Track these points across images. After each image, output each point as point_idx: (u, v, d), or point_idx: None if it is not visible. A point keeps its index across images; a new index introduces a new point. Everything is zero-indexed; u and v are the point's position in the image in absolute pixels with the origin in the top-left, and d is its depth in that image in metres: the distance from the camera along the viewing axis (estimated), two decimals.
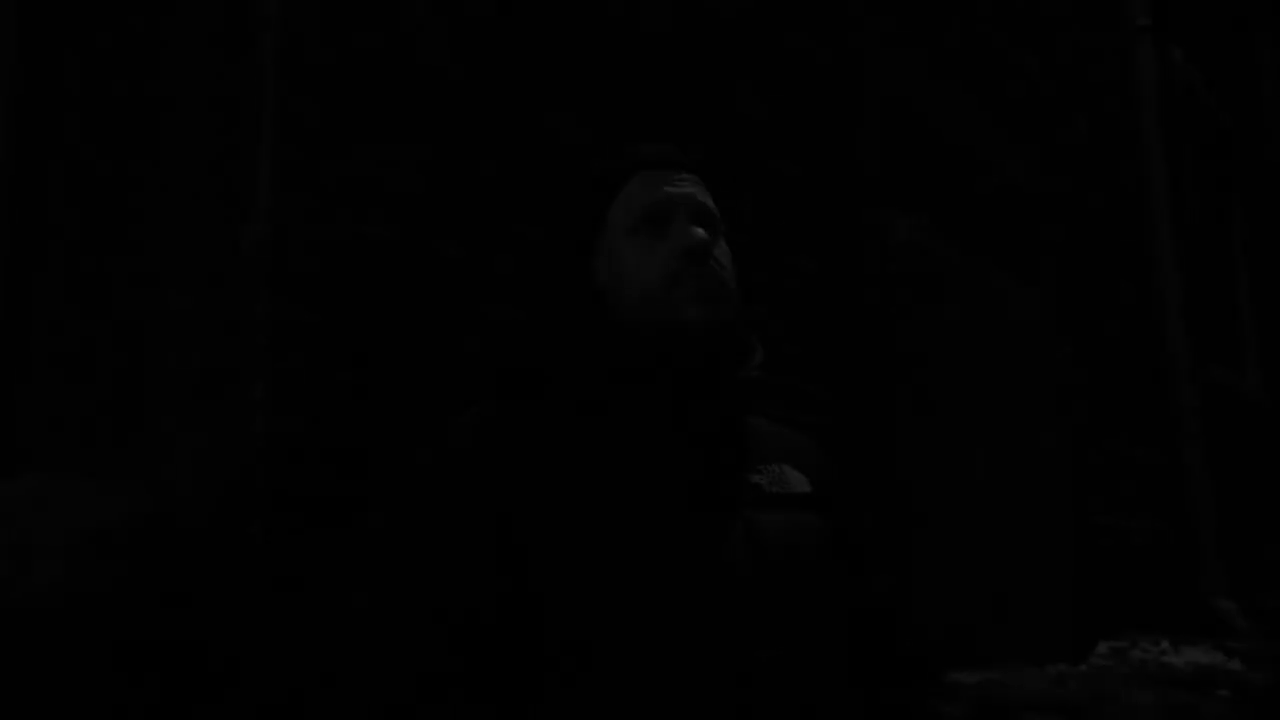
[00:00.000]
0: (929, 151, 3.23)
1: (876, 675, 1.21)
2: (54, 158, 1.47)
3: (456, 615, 1.00)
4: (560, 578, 1.00)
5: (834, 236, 2.58)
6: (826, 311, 2.51)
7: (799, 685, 1.03)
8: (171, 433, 1.26)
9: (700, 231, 1.13)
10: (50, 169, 1.46)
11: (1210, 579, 4.09)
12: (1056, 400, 3.61)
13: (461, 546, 1.02)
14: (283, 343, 1.33)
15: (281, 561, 1.27)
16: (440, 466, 1.08)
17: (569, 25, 1.93)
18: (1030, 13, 3.81)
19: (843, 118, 2.68)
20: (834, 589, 1.12)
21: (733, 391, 1.14)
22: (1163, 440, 4.25)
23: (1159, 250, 4.40)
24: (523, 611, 0.99)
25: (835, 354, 2.50)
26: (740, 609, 1.02)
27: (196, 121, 1.41)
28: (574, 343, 1.13)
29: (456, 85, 1.67)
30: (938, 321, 3.01)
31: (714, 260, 1.14)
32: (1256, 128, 6.33)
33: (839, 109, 2.67)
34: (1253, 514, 4.88)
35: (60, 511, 1.22)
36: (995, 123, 3.50)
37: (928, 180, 3.20)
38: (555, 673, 0.99)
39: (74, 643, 1.20)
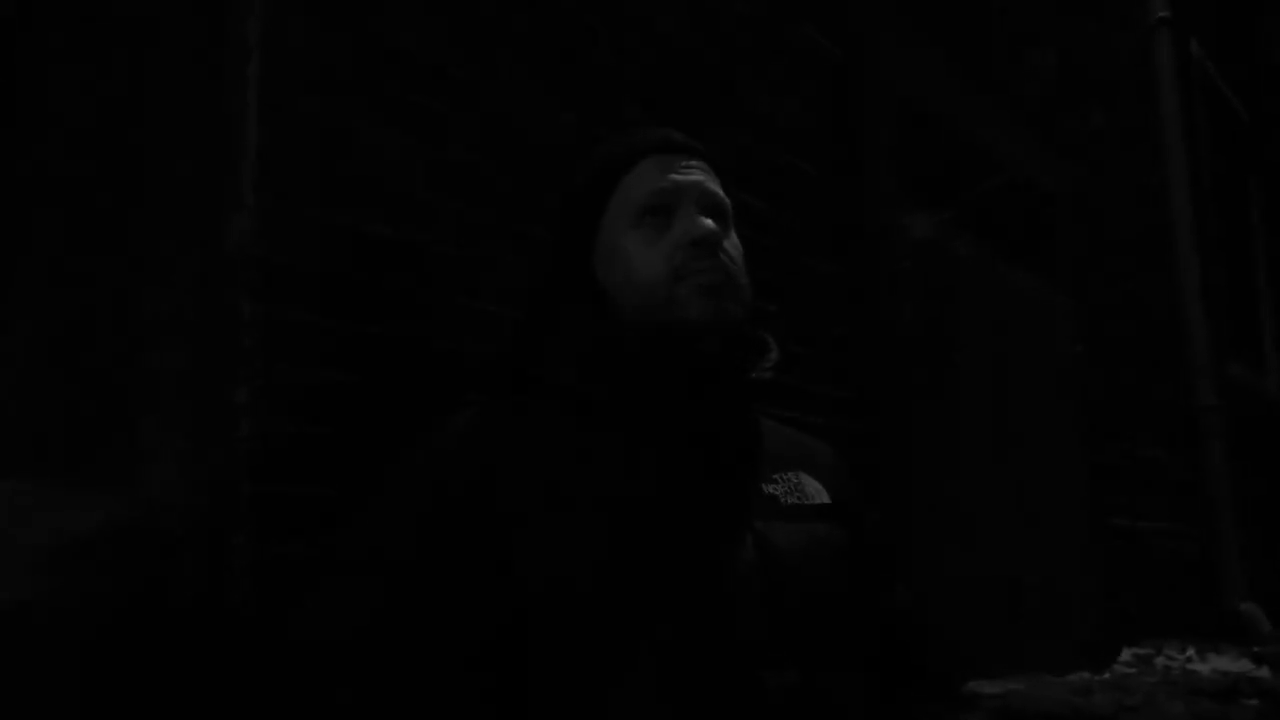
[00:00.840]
0: (944, 148, 3.16)
1: (900, 692, 1.14)
2: (36, 159, 1.40)
3: (438, 629, 0.94)
4: (548, 593, 0.93)
5: (848, 234, 2.51)
6: (839, 311, 2.44)
7: (814, 710, 0.96)
8: (152, 437, 1.20)
9: (708, 222, 1.06)
10: (33, 171, 1.40)
11: (1233, 582, 4.00)
12: (1073, 400, 3.53)
13: (445, 556, 0.95)
14: (269, 343, 1.27)
15: (267, 570, 1.21)
16: (425, 468, 1.01)
17: (576, 22, 1.86)
18: (1046, 6, 3.74)
19: (856, 114, 2.61)
20: (854, 606, 1.05)
21: (742, 394, 1.06)
22: (1182, 440, 4.17)
23: (1177, 246, 4.32)
24: (510, 628, 0.93)
25: (848, 355, 2.43)
26: (748, 631, 0.95)
27: (182, 112, 1.35)
28: (571, 342, 1.06)
29: (459, 83, 1.61)
30: (952, 320, 2.94)
31: (723, 253, 1.06)
32: (1275, 123, 6.23)
33: (852, 105, 2.60)
34: (1275, 515, 4.79)
35: (37, 518, 1.16)
36: (1011, 118, 3.43)
37: (943, 177, 3.14)
38: (543, 697, 0.92)
39: (52, 652, 1.14)
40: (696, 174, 1.09)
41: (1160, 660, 2.94)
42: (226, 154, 1.30)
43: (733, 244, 1.09)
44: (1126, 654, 3.00)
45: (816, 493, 1.07)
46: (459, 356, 1.51)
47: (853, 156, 2.58)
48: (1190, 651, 3.02)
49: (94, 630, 1.14)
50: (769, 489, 1.04)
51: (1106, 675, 2.78)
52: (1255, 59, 6.17)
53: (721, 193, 1.10)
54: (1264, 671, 2.82)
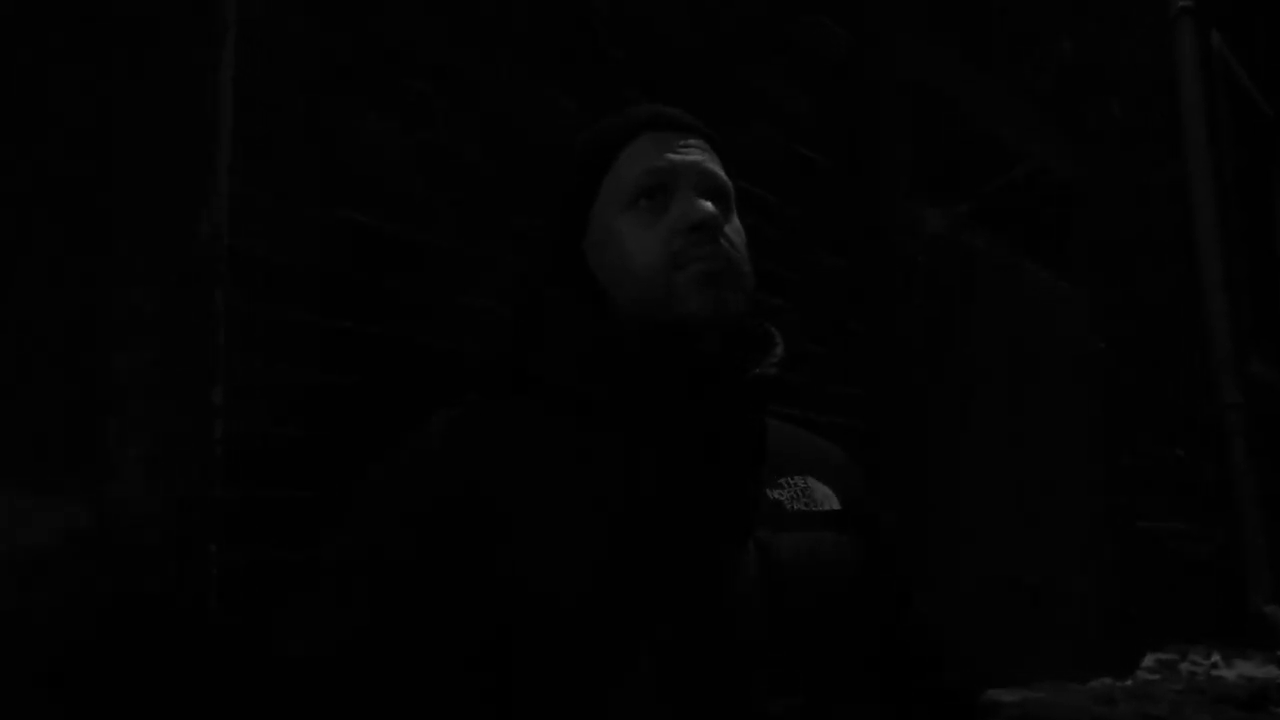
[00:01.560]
0: (959, 141, 3.09)
1: (914, 711, 1.07)
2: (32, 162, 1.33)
3: (434, 632, 0.87)
4: (529, 608, 0.86)
5: (860, 227, 2.43)
6: (850, 305, 2.37)
7: None
8: (119, 441, 1.13)
9: (708, 205, 0.98)
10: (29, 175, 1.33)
11: (1258, 585, 3.90)
12: (1091, 398, 3.45)
13: (440, 556, 0.89)
14: (247, 340, 1.20)
15: (245, 578, 1.14)
16: (412, 469, 0.94)
17: (577, 19, 1.79)
18: None
19: (869, 106, 2.53)
20: (867, 622, 0.97)
21: (745, 393, 0.99)
22: (1203, 439, 4.07)
23: (1199, 241, 4.22)
24: (508, 629, 0.86)
25: (859, 351, 2.36)
26: (750, 650, 0.87)
27: (156, 96, 1.28)
28: (561, 337, 0.99)
29: (458, 75, 1.54)
30: (968, 316, 2.86)
31: (724, 239, 0.99)
32: None
33: (865, 97, 2.52)
34: None
35: (2, 527, 1.09)
36: (1028, 110, 3.35)
37: (959, 170, 3.06)
38: (539, 699, 0.86)
39: (15, 668, 1.07)
40: (695, 153, 1.01)
41: (1185, 666, 2.85)
42: (201, 139, 1.23)
43: (734, 229, 1.01)
44: (1150, 659, 2.91)
45: (825, 498, 0.99)
46: (452, 356, 1.44)
47: (866, 149, 2.50)
48: (1215, 657, 2.92)
49: (61, 644, 1.08)
50: (774, 494, 0.96)
51: (1129, 682, 2.69)
52: (1275, 51, 6.05)
53: (722, 174, 1.03)
54: None
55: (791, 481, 0.98)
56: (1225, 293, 4.23)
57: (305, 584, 0.95)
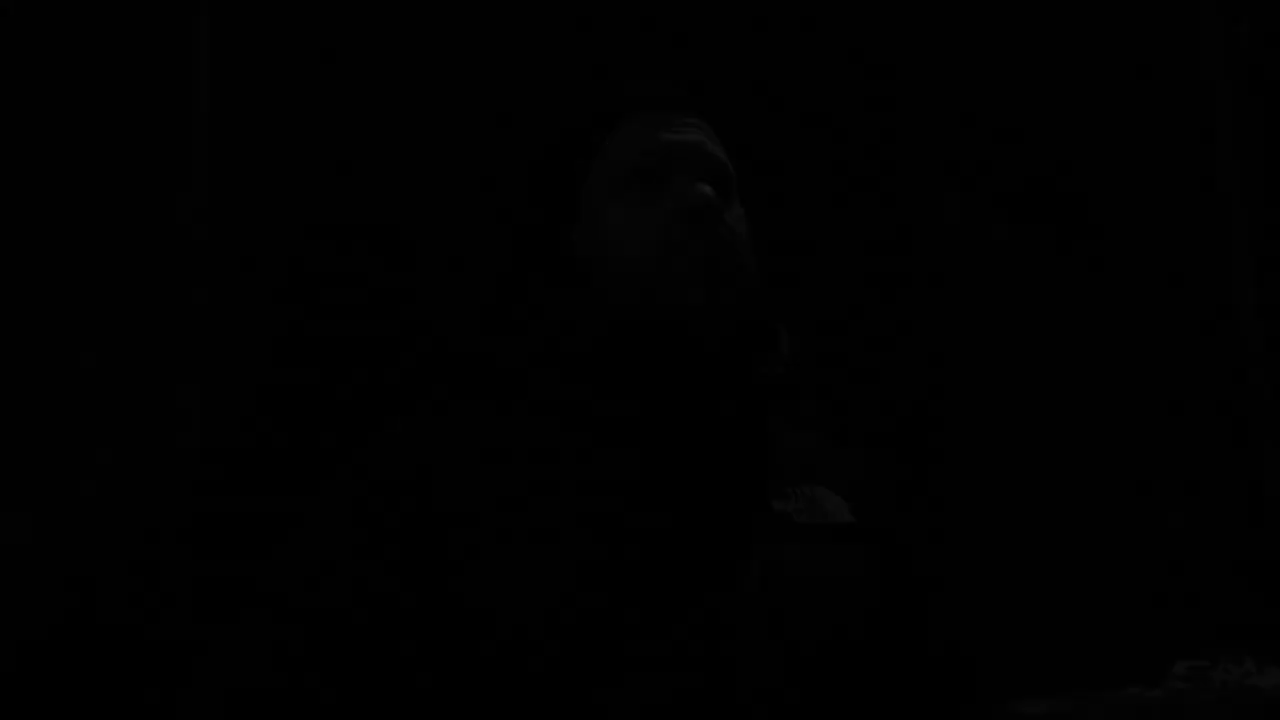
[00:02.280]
0: (980, 128, 3.01)
1: None
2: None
3: (382, 660, 0.81)
4: (513, 617, 0.79)
5: (877, 217, 2.36)
6: (869, 301, 2.29)
7: None
8: (84, 443, 1.07)
9: (707, 189, 0.91)
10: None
11: None
12: (1120, 395, 3.37)
13: (395, 577, 0.82)
14: (220, 338, 1.14)
15: (211, 593, 1.08)
16: (360, 482, 0.88)
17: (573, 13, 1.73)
18: None
19: (882, 88, 2.46)
20: (882, 645, 0.90)
21: (748, 393, 0.91)
22: (1235, 436, 3.98)
23: (1228, 233, 4.13)
24: (467, 654, 0.79)
25: (879, 348, 2.29)
26: (752, 680, 0.80)
27: (131, 80, 1.22)
28: (544, 332, 0.92)
29: (453, 63, 1.48)
30: (990, 310, 2.79)
31: (724, 226, 0.92)
32: None
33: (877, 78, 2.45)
34: None
35: None
36: (1051, 99, 3.27)
37: (979, 158, 2.99)
38: None
39: None
40: (693, 133, 0.94)
41: (1217, 673, 2.75)
42: (177, 128, 1.16)
43: (735, 216, 0.94)
44: (1181, 666, 2.82)
45: (838, 509, 0.92)
46: (442, 357, 1.37)
47: (886, 133, 2.43)
48: (1249, 664, 2.83)
49: (14, 659, 1.01)
50: (780, 505, 0.89)
51: (1159, 691, 2.60)
52: None
53: (723, 155, 0.95)
54: None
55: (799, 491, 0.91)
56: (1255, 285, 4.15)
57: (265, 601, 0.89)
